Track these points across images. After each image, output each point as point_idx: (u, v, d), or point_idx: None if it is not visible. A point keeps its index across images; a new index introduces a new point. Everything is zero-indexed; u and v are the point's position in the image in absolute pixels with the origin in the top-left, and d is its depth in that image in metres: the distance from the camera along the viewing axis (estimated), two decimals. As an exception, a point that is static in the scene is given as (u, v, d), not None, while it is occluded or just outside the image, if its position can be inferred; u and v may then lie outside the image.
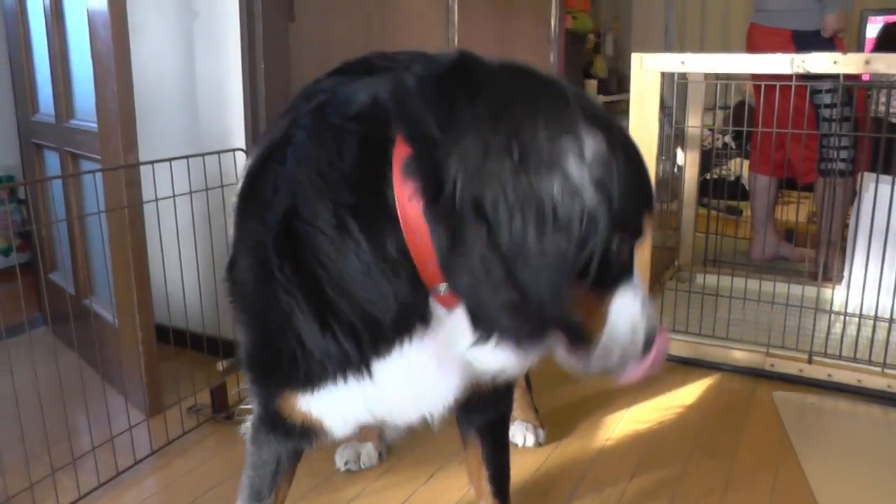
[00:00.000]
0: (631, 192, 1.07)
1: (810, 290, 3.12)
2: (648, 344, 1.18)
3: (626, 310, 1.16)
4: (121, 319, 2.31)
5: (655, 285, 2.90)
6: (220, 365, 2.41)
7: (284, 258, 1.14)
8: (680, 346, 2.73)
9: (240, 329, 1.29)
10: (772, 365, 2.62)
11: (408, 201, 1.06)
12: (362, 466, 2.07)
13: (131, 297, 2.24)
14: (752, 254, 3.75)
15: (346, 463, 2.08)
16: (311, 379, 1.20)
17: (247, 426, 1.48)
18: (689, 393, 2.52)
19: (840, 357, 2.57)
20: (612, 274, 1.12)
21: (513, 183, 1.02)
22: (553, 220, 1.02)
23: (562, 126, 1.05)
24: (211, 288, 2.31)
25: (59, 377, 1.95)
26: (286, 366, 1.21)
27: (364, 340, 1.14)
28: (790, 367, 2.60)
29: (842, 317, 2.76)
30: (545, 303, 1.05)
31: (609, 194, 1.04)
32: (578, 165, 1.03)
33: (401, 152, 1.07)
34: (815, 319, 2.68)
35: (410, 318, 1.12)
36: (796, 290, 2.98)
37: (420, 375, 1.18)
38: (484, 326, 1.09)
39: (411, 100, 1.09)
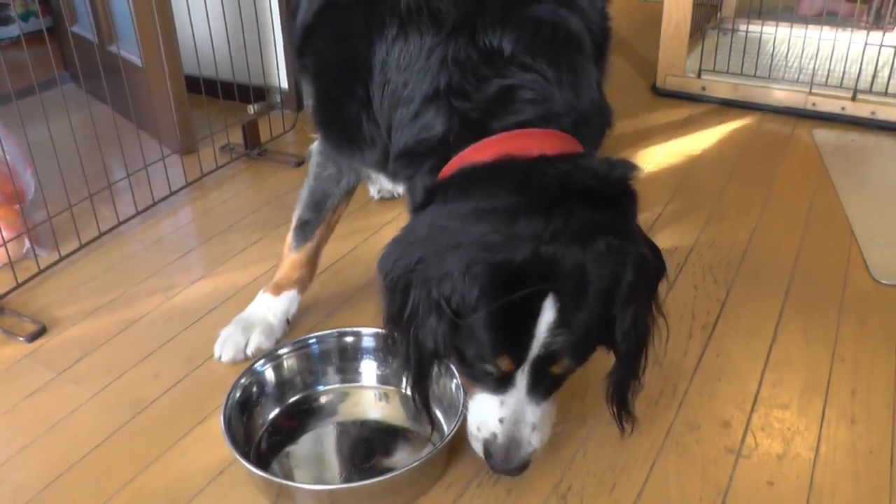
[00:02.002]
0: None
1: (859, 36, 2.97)
2: (488, 455, 1.16)
3: (481, 406, 1.16)
4: (147, 59, 2.27)
5: (696, 33, 2.79)
6: (252, 108, 2.39)
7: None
8: (719, 86, 2.66)
9: (307, 82, 1.43)
10: (813, 104, 2.55)
11: None
12: (395, 196, 2.08)
13: (155, 35, 2.18)
14: (799, 8, 3.56)
15: (378, 192, 2.10)
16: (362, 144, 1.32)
17: (315, 146, 1.54)
18: (728, 131, 2.47)
19: (886, 94, 2.48)
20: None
21: None
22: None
23: None
24: (239, 34, 2.25)
25: (92, 123, 1.94)
26: (349, 127, 1.32)
27: None
28: (832, 106, 2.53)
29: (893, 50, 2.63)
30: None
31: None
32: None
33: None
34: (862, 56, 2.56)
35: None
36: (844, 35, 2.85)
37: None
38: None
39: None
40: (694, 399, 1.42)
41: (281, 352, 1.44)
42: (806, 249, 1.84)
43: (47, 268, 1.86)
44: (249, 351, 1.54)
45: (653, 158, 2.29)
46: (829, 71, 2.63)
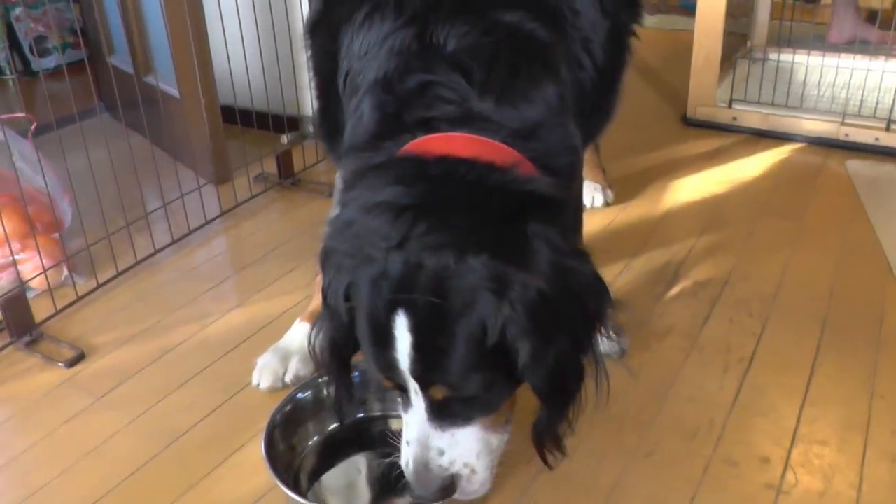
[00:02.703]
0: None
1: (893, 64, 2.96)
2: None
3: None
4: (183, 90, 2.31)
5: (726, 63, 2.79)
6: (285, 138, 2.42)
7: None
8: (750, 116, 2.65)
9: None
10: (846, 134, 2.53)
11: None
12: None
13: (192, 66, 2.22)
14: (830, 37, 3.55)
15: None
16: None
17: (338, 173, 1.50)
18: (759, 162, 2.46)
19: (921, 125, 2.47)
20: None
21: None
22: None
23: None
24: (273, 65, 2.28)
25: (130, 153, 1.96)
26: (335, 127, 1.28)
27: None
28: (866, 136, 2.51)
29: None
30: None
31: None
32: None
33: None
34: None
35: None
36: (877, 63, 2.84)
37: None
38: None
39: None
40: (731, 434, 1.41)
41: (321, 379, 1.43)
42: (841, 283, 1.83)
43: (85, 295, 1.88)
44: (288, 378, 1.54)
45: (683, 189, 2.29)
46: (861, 100, 2.62)
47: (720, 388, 1.51)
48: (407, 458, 1.08)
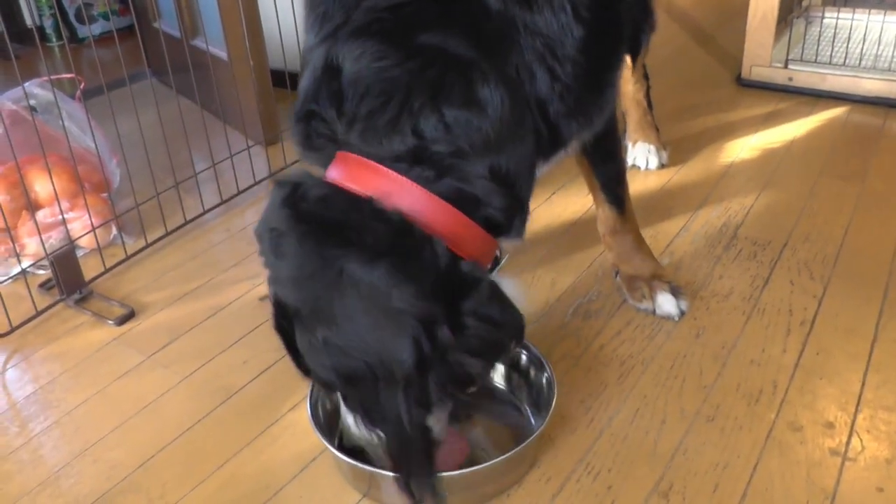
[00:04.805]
0: None
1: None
2: None
3: None
4: (232, 53, 2.29)
5: (781, 23, 2.70)
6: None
7: None
8: (807, 77, 2.57)
9: None
10: (908, 95, 2.44)
11: None
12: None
13: (241, 29, 2.19)
14: (887, -5, 3.44)
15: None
16: None
17: None
18: (817, 123, 2.39)
19: None
20: None
21: None
22: None
23: None
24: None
25: (180, 115, 1.96)
26: None
27: None
28: (928, 97, 2.42)
29: None
30: None
31: None
32: None
33: None
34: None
35: None
36: (939, 22, 2.73)
37: None
38: None
39: None
40: (795, 398, 1.37)
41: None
42: (905, 246, 1.77)
43: (134, 254, 1.88)
44: None
45: (739, 151, 2.23)
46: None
47: (783, 352, 1.47)
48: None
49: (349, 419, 1.13)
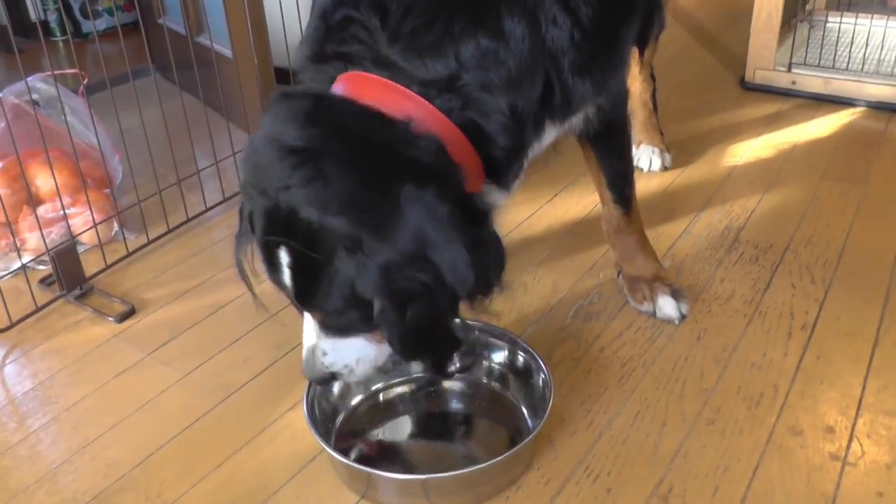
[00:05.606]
0: None
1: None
2: None
3: None
4: (237, 50, 2.28)
5: (784, 26, 2.70)
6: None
7: None
8: (810, 80, 2.57)
9: None
10: (911, 100, 2.44)
11: None
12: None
13: (246, 27, 2.19)
14: (890, 0, 3.44)
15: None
16: None
17: None
18: (819, 127, 2.38)
19: None
20: None
21: None
22: None
23: None
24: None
25: (184, 112, 1.95)
26: None
27: None
28: (931, 102, 2.42)
29: None
30: None
31: None
32: None
33: None
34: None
35: None
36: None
37: None
38: None
39: None
40: (796, 402, 1.37)
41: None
42: (907, 250, 1.76)
43: (135, 251, 1.88)
44: None
45: (742, 154, 2.22)
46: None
47: (784, 355, 1.47)
48: (303, 354, 1.20)
49: (325, 344, 1.17)
